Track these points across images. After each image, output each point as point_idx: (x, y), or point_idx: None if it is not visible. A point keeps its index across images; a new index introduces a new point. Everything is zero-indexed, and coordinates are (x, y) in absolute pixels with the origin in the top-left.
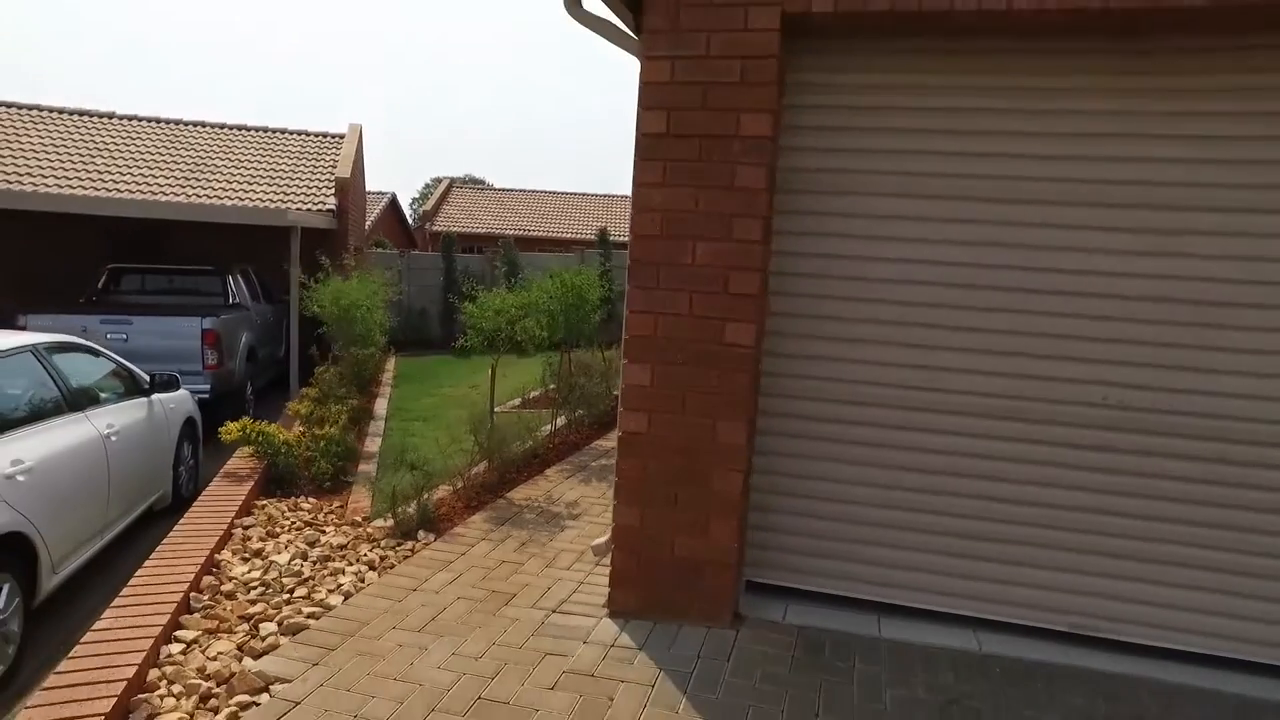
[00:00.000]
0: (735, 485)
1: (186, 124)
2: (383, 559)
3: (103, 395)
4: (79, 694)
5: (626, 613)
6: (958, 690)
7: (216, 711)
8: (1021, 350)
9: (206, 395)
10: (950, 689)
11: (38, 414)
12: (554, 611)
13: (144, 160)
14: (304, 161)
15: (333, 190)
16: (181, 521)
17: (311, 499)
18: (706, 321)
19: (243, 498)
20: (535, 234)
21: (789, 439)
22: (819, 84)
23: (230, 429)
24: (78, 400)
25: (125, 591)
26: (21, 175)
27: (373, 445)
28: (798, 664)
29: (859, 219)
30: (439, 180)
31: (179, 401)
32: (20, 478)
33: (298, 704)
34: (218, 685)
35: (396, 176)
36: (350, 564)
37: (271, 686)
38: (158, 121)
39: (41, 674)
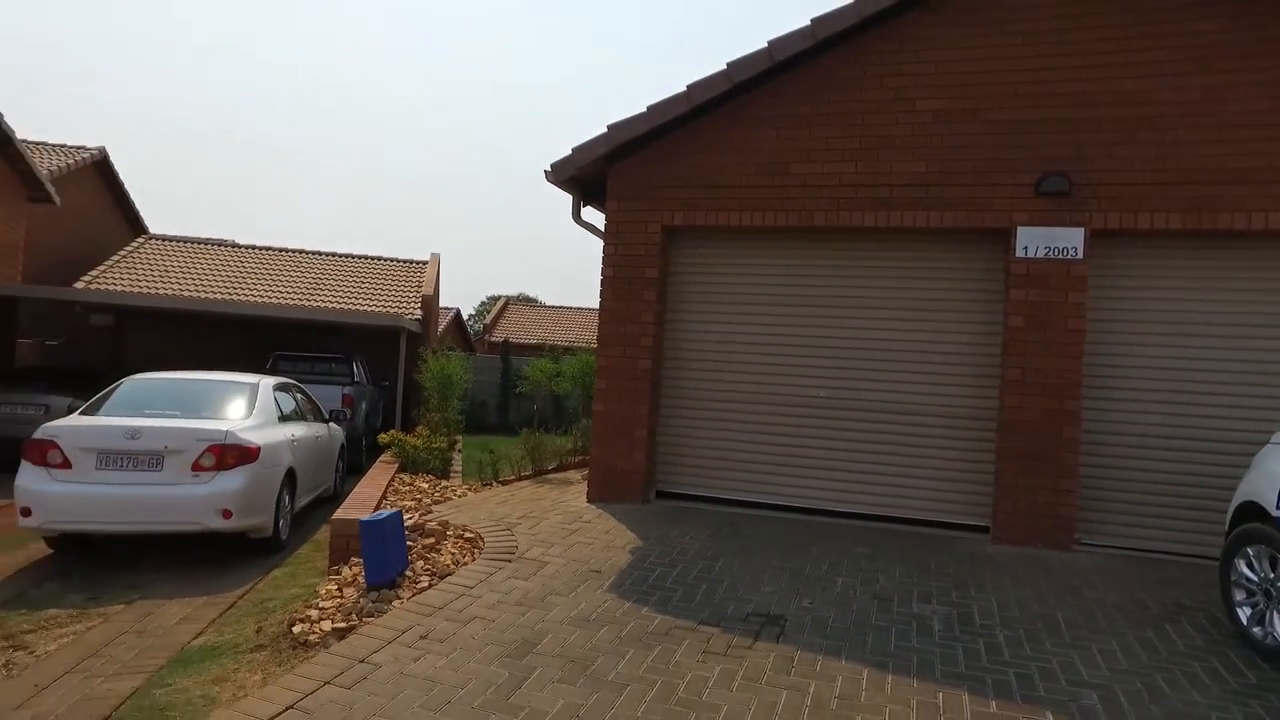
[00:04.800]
0: (642, 435)
1: (309, 252)
2: (474, 490)
3: (307, 415)
4: (353, 511)
5: (595, 500)
6: (731, 521)
7: (426, 510)
8: (773, 370)
9: (343, 438)
10: (727, 522)
11: (291, 416)
12: (561, 502)
13: (277, 278)
14: (396, 281)
15: (419, 304)
16: (365, 475)
17: (428, 479)
18: (629, 358)
19: (393, 470)
20: (577, 344)
21: (674, 415)
22: (680, 252)
23: (384, 437)
24: (302, 413)
25: (355, 490)
26: (195, 289)
27: (457, 464)
28: (668, 514)
29: (699, 309)
30: (495, 298)
31: (338, 432)
32: (293, 442)
33: (456, 510)
34: (423, 515)
35: (457, 293)
36: (457, 492)
37: (435, 506)
38: (286, 250)
39: (295, 544)
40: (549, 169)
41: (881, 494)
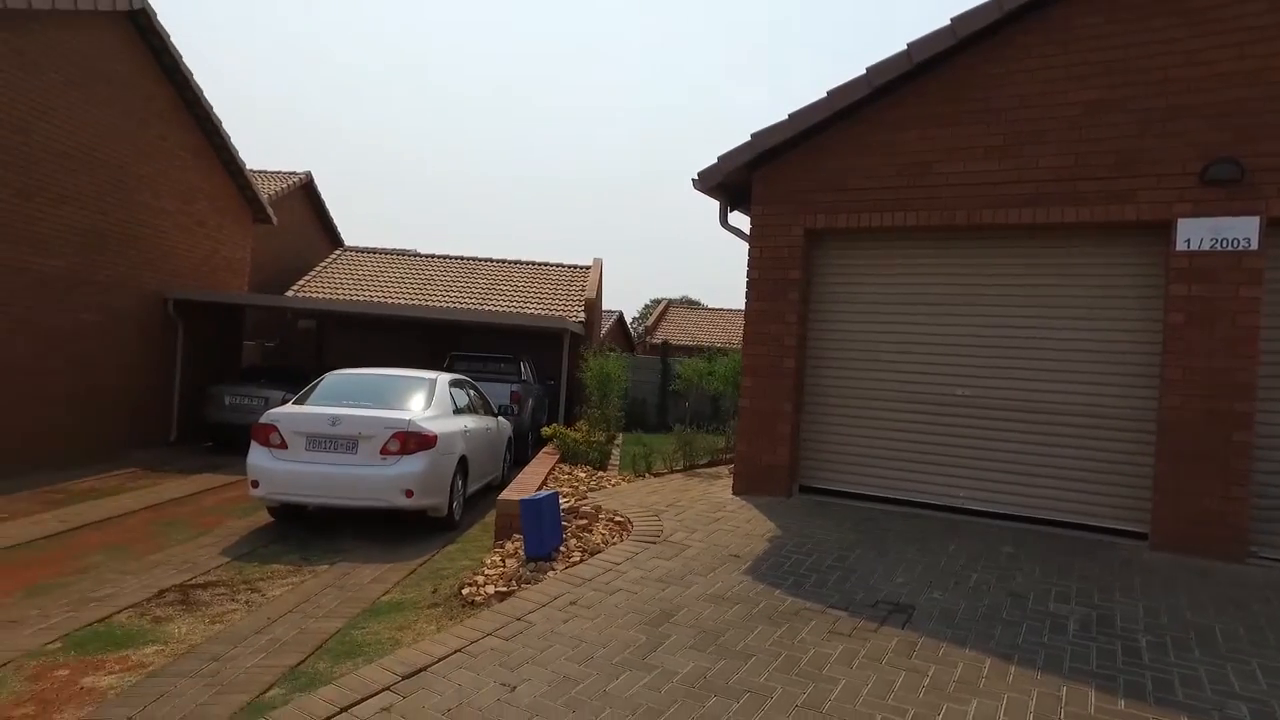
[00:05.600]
0: (786, 431)
1: (482, 259)
2: (628, 481)
3: (479, 409)
4: (515, 493)
5: (740, 493)
6: (871, 516)
7: (582, 496)
8: (915, 368)
9: (510, 432)
10: (867, 517)
11: (464, 410)
12: (707, 493)
13: (454, 284)
14: (561, 286)
15: (583, 307)
16: (529, 464)
17: (586, 469)
18: (774, 357)
19: (553, 461)
20: (733, 345)
21: (817, 412)
22: (822, 254)
23: (547, 430)
24: (474, 407)
25: (519, 476)
26: (383, 296)
27: (615, 458)
28: (809, 507)
29: (841, 309)
30: (658, 301)
31: (506, 426)
32: (466, 433)
33: (608, 497)
34: (578, 501)
35: (622, 296)
36: (612, 482)
37: (590, 493)
38: (463, 258)
39: (466, 524)
40: (696, 177)
41: (1027, 494)
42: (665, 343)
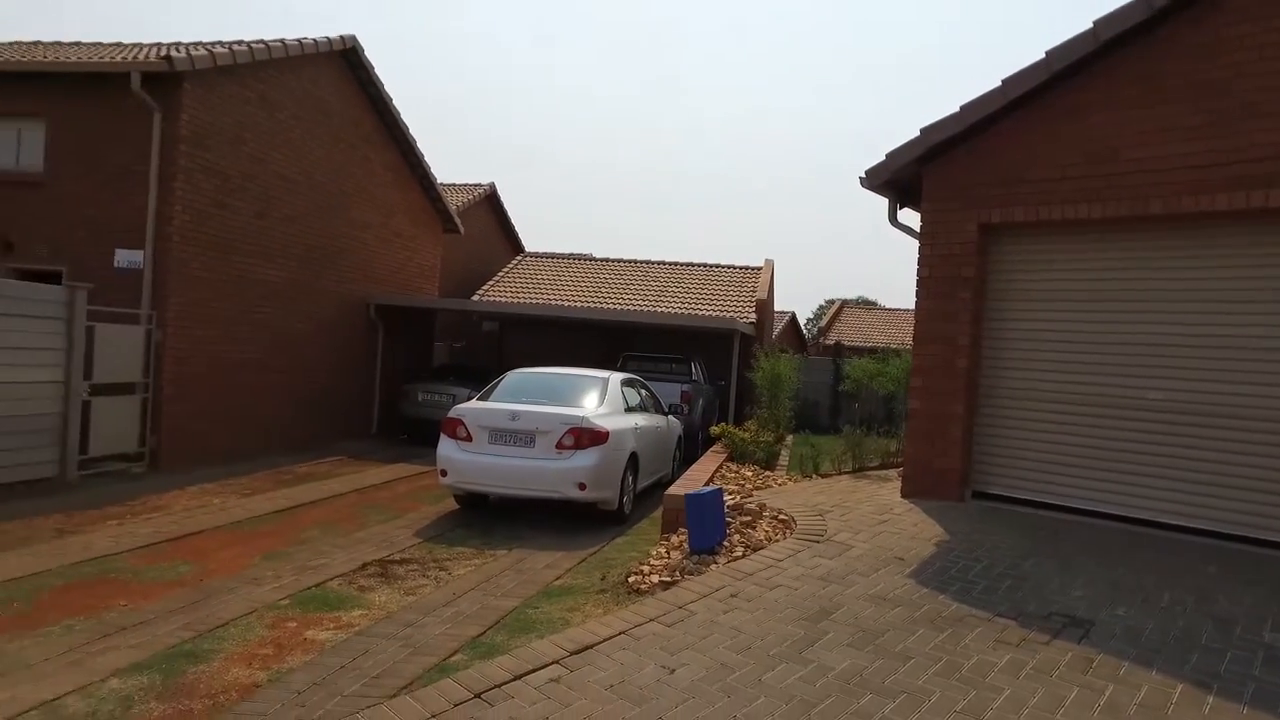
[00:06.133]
0: (958, 434)
1: (655, 262)
2: (794, 481)
3: (649, 408)
4: (681, 488)
5: (908, 496)
6: (1048, 525)
7: (747, 494)
8: (1101, 370)
9: (680, 431)
10: (1044, 526)
11: (635, 408)
12: (875, 495)
13: (628, 287)
14: (732, 287)
15: (753, 308)
16: (697, 462)
17: (753, 468)
18: (946, 357)
19: (721, 459)
20: (908, 346)
21: (992, 415)
22: (998, 250)
23: (715, 429)
24: (645, 406)
25: (686, 473)
26: (560, 299)
27: (783, 459)
28: (981, 513)
29: (1018, 307)
30: (832, 301)
31: (676, 425)
32: (636, 430)
33: (774, 496)
34: (743, 498)
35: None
36: (778, 482)
37: (755, 492)
38: (636, 261)
39: (635, 518)
40: (864, 175)
41: (1230, 509)
42: (838, 344)
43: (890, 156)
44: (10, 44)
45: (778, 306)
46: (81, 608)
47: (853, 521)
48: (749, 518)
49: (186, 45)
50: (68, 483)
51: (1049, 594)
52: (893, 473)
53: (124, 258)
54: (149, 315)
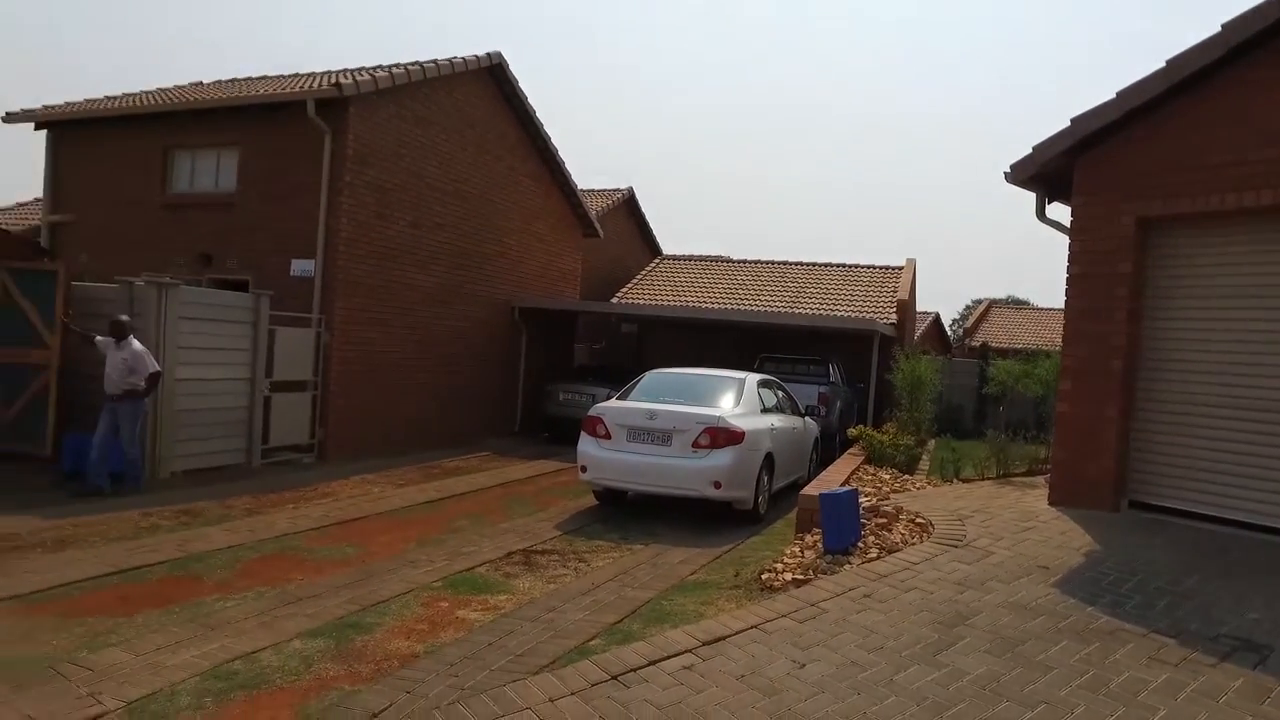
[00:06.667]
0: (1111, 440)
1: (792, 263)
2: (933, 485)
3: (786, 409)
4: (816, 489)
5: (1056, 503)
6: (1217, 539)
7: (884, 496)
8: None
9: (817, 432)
10: (1211, 540)
11: (771, 409)
12: (1019, 502)
13: (765, 289)
14: (872, 288)
15: (894, 308)
16: (833, 464)
17: (891, 472)
18: (1098, 359)
19: (858, 462)
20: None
21: (1151, 420)
22: (1158, 244)
23: (853, 431)
24: (781, 407)
25: (821, 474)
26: (697, 301)
27: (923, 463)
28: (1138, 524)
29: (1181, 305)
30: (979, 301)
31: (813, 427)
32: (772, 431)
33: (911, 500)
34: (879, 500)
35: (939, 298)
36: (917, 485)
37: (892, 495)
38: (773, 263)
39: (771, 518)
40: (1008, 170)
41: None
42: (985, 345)
43: (1037, 149)
44: (211, 84)
45: (921, 307)
46: (268, 578)
47: (994, 527)
48: (885, 520)
49: (352, 71)
50: (252, 469)
51: (1218, 614)
52: (1040, 480)
53: (298, 267)
54: (318, 319)
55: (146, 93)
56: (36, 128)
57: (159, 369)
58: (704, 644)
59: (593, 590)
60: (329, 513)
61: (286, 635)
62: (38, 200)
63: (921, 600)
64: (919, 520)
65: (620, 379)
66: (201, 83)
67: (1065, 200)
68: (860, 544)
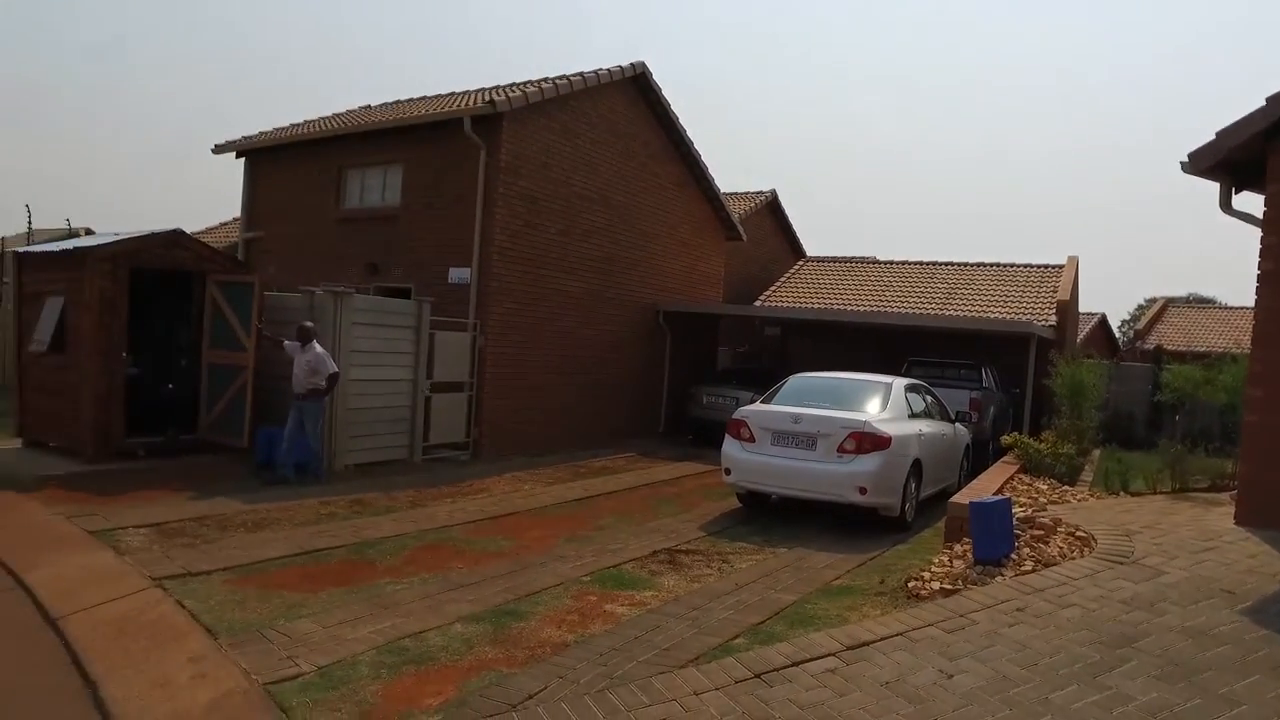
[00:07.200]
0: None
1: (942, 263)
2: (1096, 498)
3: (935, 414)
4: (966, 497)
5: (1244, 523)
6: None
7: (1041, 507)
8: None
9: (968, 439)
10: None
11: (919, 415)
12: (1198, 519)
13: (913, 290)
14: (1029, 288)
15: (1054, 310)
16: (985, 472)
17: (1049, 482)
18: None
19: (1012, 470)
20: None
21: None
22: None
23: (1007, 439)
24: (930, 412)
25: (973, 482)
26: (842, 304)
27: (1086, 474)
28: None
29: None
30: (1153, 300)
31: (963, 433)
32: (920, 437)
33: (1071, 512)
34: (1035, 511)
35: (1107, 298)
36: (1077, 497)
37: (1050, 506)
38: (922, 263)
39: (918, 526)
40: (1186, 159)
41: None
42: (1158, 348)
43: (1221, 135)
44: (379, 106)
45: (1086, 307)
46: (432, 565)
47: (1167, 546)
48: (1041, 532)
49: (504, 88)
50: (414, 464)
51: None
52: (1225, 496)
53: (455, 274)
54: (474, 324)
55: (323, 118)
56: (237, 156)
57: (338, 370)
58: (848, 648)
59: (736, 590)
60: (484, 507)
61: (449, 619)
62: (235, 219)
63: (1081, 617)
64: (1079, 534)
65: (764, 382)
66: (370, 106)
67: (1255, 189)
68: (1014, 556)
